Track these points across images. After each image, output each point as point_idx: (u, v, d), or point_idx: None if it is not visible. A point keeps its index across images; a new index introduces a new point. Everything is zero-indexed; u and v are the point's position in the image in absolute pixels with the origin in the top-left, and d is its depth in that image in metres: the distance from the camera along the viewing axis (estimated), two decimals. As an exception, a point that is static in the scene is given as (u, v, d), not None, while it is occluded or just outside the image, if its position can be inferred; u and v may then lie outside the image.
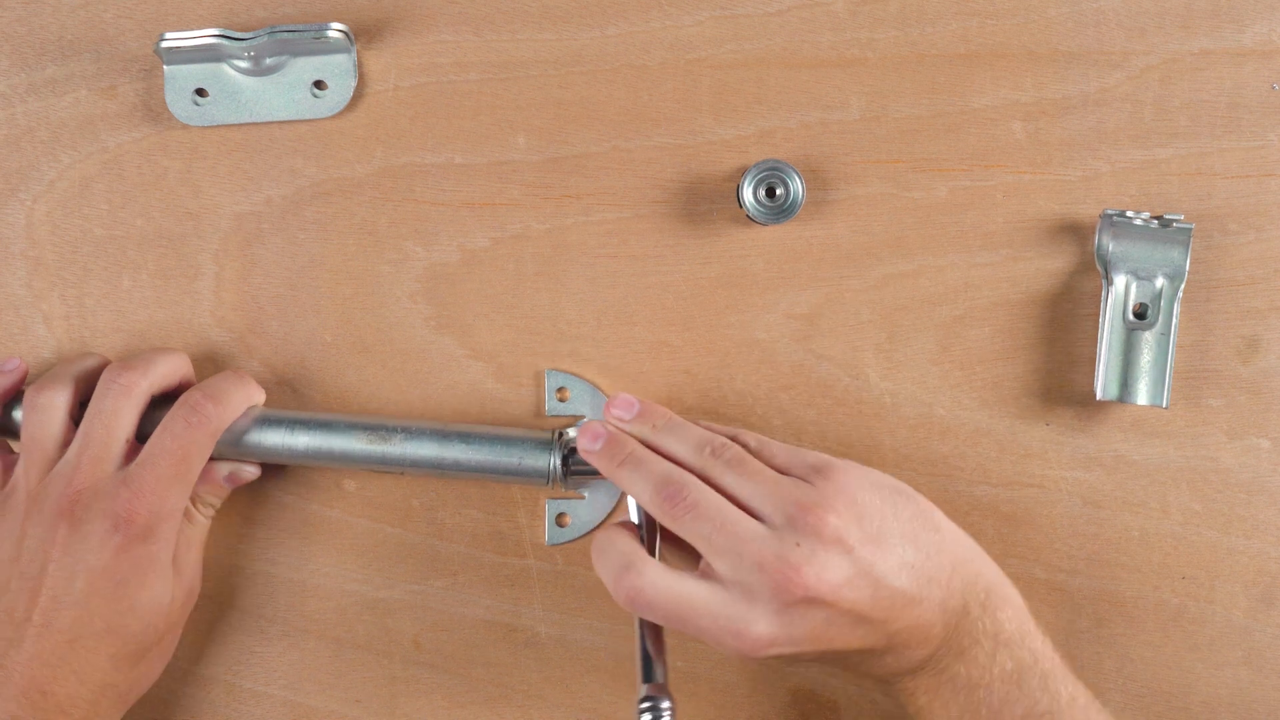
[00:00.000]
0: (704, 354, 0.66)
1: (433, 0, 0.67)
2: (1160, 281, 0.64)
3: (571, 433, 0.64)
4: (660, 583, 0.55)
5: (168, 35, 0.64)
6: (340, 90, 0.66)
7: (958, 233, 0.66)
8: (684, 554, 0.60)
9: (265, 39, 0.64)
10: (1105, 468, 0.66)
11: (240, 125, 0.67)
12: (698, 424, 0.62)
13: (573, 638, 0.66)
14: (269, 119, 0.67)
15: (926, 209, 0.66)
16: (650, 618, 0.55)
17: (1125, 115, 0.66)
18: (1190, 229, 0.64)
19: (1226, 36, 0.66)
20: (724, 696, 0.66)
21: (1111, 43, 0.66)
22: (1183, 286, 0.64)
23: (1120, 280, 0.64)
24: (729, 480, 0.57)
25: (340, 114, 0.67)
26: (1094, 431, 0.66)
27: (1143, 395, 0.64)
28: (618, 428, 0.61)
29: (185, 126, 0.67)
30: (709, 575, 0.55)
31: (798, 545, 0.54)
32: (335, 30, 0.64)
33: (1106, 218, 0.64)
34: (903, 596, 0.55)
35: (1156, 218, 0.64)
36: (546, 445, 0.63)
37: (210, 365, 0.67)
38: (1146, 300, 0.64)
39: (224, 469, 0.64)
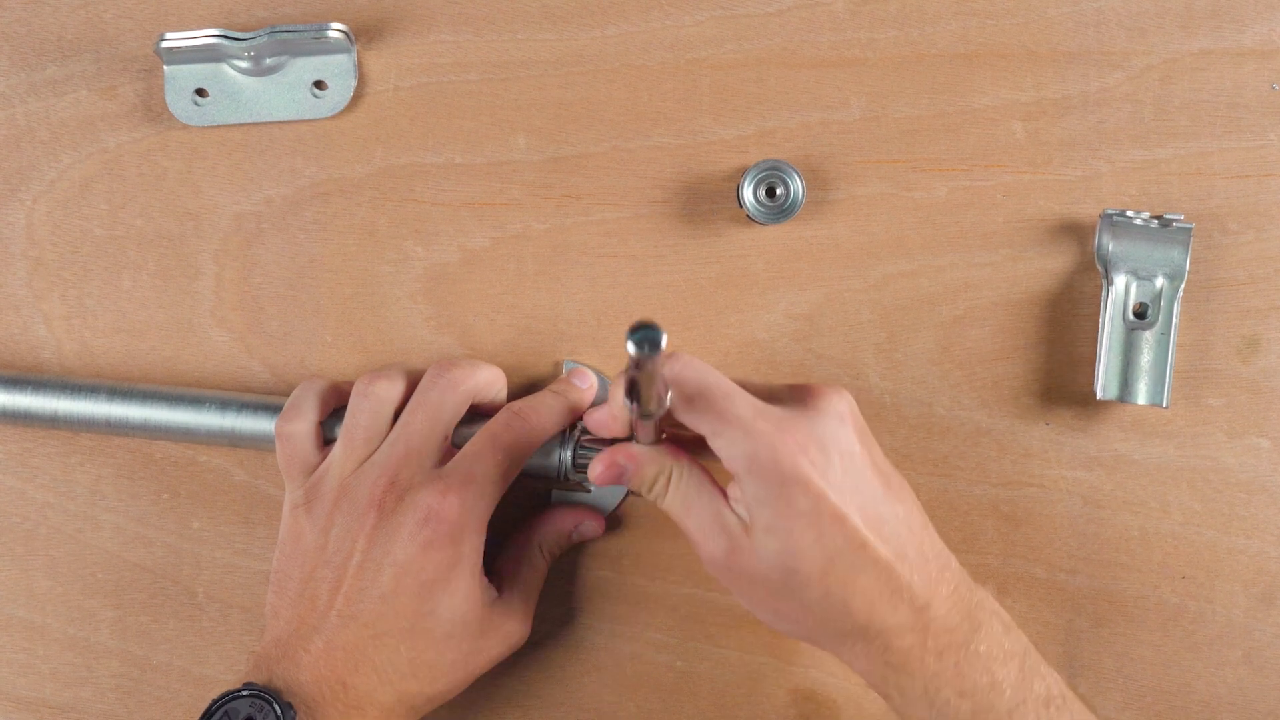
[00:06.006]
0: (704, 354, 0.66)
1: (433, 0, 0.67)
2: (1160, 281, 0.64)
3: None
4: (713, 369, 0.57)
5: (168, 35, 0.64)
6: (340, 90, 0.66)
7: (958, 233, 0.66)
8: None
9: (265, 39, 0.64)
10: (1105, 467, 0.66)
11: (240, 125, 0.67)
12: None
13: (573, 638, 0.66)
14: (269, 119, 0.67)
15: (926, 209, 0.66)
16: (695, 380, 0.55)
17: (1125, 115, 0.66)
18: (1190, 229, 0.64)
19: (1226, 36, 0.66)
20: (724, 696, 0.66)
21: (1111, 43, 0.66)
22: (1183, 286, 0.64)
23: (1120, 280, 0.64)
24: None
25: (340, 114, 0.67)
26: (1094, 431, 0.66)
27: (1143, 395, 0.64)
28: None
29: (185, 126, 0.67)
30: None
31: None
32: (335, 30, 0.64)
33: (1106, 218, 0.64)
34: (909, 503, 0.57)
35: (1156, 218, 0.64)
36: (557, 440, 0.63)
37: (210, 365, 0.67)
38: (1146, 300, 0.64)
39: (572, 521, 0.64)
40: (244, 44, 0.64)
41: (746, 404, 0.55)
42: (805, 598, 0.55)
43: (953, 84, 0.66)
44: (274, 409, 0.63)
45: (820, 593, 0.54)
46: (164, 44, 0.64)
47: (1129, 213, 0.64)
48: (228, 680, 0.66)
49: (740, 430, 0.54)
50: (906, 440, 0.66)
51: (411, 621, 0.57)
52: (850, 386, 0.66)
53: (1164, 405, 0.64)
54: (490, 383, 0.63)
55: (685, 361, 0.56)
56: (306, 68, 0.66)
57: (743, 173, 0.65)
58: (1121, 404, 0.65)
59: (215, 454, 0.67)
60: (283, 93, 0.67)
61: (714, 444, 0.55)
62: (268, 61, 0.66)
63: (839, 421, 0.56)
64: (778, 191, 0.65)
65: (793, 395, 0.58)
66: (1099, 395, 0.64)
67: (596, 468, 0.59)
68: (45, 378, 0.64)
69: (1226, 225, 0.66)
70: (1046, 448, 0.66)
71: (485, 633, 0.60)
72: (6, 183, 0.67)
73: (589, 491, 0.65)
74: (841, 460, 0.55)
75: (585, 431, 0.63)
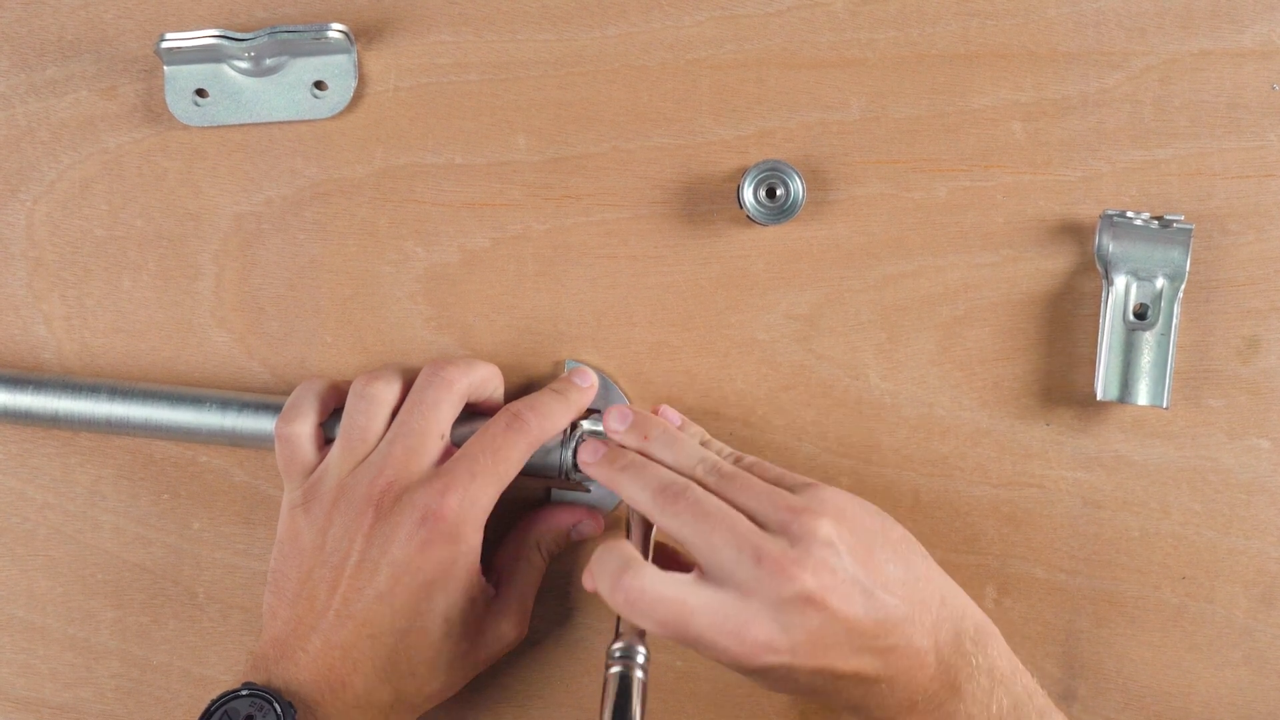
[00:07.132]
0: (704, 354, 0.66)
1: (433, 0, 0.67)
2: (1160, 282, 0.64)
3: (586, 425, 0.63)
4: (659, 582, 0.53)
5: (168, 36, 0.64)
6: (340, 91, 0.66)
7: (958, 233, 0.66)
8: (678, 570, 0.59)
9: (265, 39, 0.64)
10: (1105, 468, 0.66)
11: (240, 126, 0.67)
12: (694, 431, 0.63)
13: (573, 638, 0.66)
14: (269, 119, 0.67)
15: (926, 209, 0.66)
16: (647, 621, 0.54)
17: (1125, 115, 0.66)
18: (1190, 229, 0.64)
19: (1226, 37, 0.66)
20: (724, 696, 0.66)
21: (1111, 43, 0.66)
22: (1183, 287, 0.64)
23: (1120, 280, 0.64)
24: (724, 489, 0.57)
25: (340, 114, 0.67)
26: (1094, 432, 0.66)
27: (1143, 395, 0.64)
28: (617, 441, 0.61)
29: (185, 127, 0.67)
30: (705, 578, 0.54)
31: (792, 546, 0.54)
32: (335, 31, 0.64)
33: (1106, 218, 0.64)
34: (895, 611, 0.54)
35: (1156, 218, 0.64)
36: (557, 439, 0.63)
37: (210, 366, 0.67)
38: (1146, 300, 0.64)
39: (570, 519, 0.64)
40: (244, 44, 0.64)
41: (704, 607, 0.53)
42: (802, 691, 0.56)
43: (953, 84, 0.66)
44: (274, 409, 0.63)
45: (815, 698, 0.57)
46: (164, 44, 0.64)
47: (1129, 213, 0.64)
48: (227, 681, 0.66)
49: (710, 628, 0.53)
50: (906, 440, 0.66)
51: (409, 620, 0.57)
52: (850, 386, 0.66)
53: (1164, 406, 0.64)
54: (486, 380, 0.63)
55: (647, 603, 0.53)
56: (306, 68, 0.66)
57: (742, 173, 0.65)
58: (1122, 405, 0.65)
59: (215, 454, 0.67)
60: (283, 93, 0.67)
61: None
62: (268, 62, 0.66)
63: (831, 552, 0.54)
64: (778, 192, 0.65)
65: (797, 484, 0.57)
66: (1099, 396, 0.64)
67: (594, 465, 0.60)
68: (46, 377, 0.64)
69: (1226, 226, 0.66)
70: (1046, 448, 0.66)
71: (483, 631, 0.60)
72: (6, 183, 0.67)
73: (589, 491, 0.65)
74: (823, 604, 0.53)
75: (586, 431, 0.63)
